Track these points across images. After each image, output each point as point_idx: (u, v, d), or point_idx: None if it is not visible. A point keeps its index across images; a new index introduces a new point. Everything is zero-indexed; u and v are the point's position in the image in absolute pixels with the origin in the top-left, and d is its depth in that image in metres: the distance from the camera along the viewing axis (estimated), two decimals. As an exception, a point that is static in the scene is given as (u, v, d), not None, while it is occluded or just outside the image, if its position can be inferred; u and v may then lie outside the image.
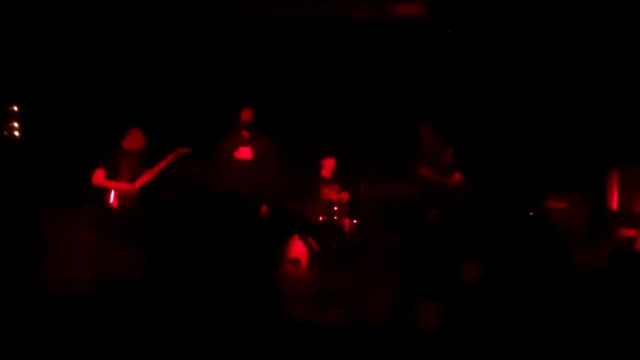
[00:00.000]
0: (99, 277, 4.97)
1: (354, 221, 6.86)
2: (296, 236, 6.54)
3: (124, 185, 5.82)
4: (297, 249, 6.49)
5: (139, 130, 6.02)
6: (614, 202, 6.64)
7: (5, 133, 7.75)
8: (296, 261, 6.44)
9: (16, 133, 7.78)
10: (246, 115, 6.42)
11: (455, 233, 5.94)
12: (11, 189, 6.83)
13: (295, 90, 7.61)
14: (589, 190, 6.75)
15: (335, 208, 6.83)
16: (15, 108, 7.75)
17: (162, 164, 6.01)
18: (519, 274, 4.86)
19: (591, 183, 6.78)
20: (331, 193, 6.89)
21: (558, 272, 4.97)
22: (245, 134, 6.41)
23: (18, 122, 7.78)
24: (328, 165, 6.96)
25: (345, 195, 6.90)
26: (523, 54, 7.15)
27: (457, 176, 6.54)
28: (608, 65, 6.87)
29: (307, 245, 6.51)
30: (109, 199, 5.82)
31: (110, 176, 5.82)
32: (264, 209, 6.33)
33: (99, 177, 5.78)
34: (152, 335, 3.95)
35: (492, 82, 7.31)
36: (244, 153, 6.39)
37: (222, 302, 4.52)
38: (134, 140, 5.97)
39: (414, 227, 6.31)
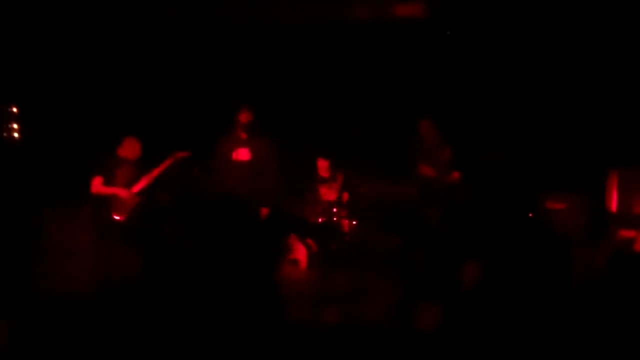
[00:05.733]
0: (98, 280, 4.95)
1: (353, 222, 6.86)
2: (295, 237, 6.55)
3: (122, 192, 5.83)
4: (297, 249, 6.49)
5: (135, 139, 6.03)
6: (614, 204, 6.64)
7: (5, 134, 7.75)
8: (295, 262, 6.45)
9: (15, 134, 7.77)
10: (244, 116, 6.42)
11: (455, 234, 5.93)
12: (10, 190, 6.82)
13: (294, 92, 7.61)
14: (588, 192, 6.74)
15: (335, 209, 6.83)
16: (15, 109, 7.75)
17: (160, 169, 6.02)
18: (518, 275, 4.85)
19: (591, 184, 6.78)
20: (330, 193, 6.90)
21: (557, 273, 4.96)
22: (243, 135, 6.42)
23: (17, 124, 7.77)
24: (323, 165, 6.97)
25: (344, 196, 6.90)
26: (523, 55, 7.16)
27: (455, 175, 6.55)
28: (608, 66, 6.88)
29: (307, 246, 6.51)
30: (109, 206, 5.84)
31: (107, 183, 5.83)
32: (265, 211, 6.32)
33: (97, 185, 5.80)
34: (152, 337, 3.94)
35: (492, 82, 7.31)
36: (242, 154, 6.39)
37: (221, 304, 4.52)
38: (129, 149, 5.98)
39: (413, 227, 6.30)
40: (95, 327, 4.04)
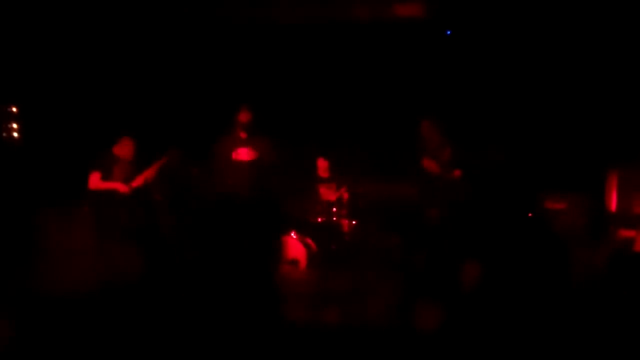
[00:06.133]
0: (98, 278, 4.96)
1: (353, 222, 6.86)
2: (295, 237, 6.54)
3: (120, 186, 5.90)
4: (296, 249, 6.48)
5: (130, 139, 6.09)
6: (613, 203, 6.63)
7: (4, 134, 7.74)
8: (295, 262, 6.43)
9: (15, 134, 7.77)
10: (244, 116, 6.42)
11: (455, 234, 5.93)
12: (10, 190, 6.82)
13: (294, 91, 7.61)
14: (588, 192, 6.75)
15: (334, 209, 6.83)
16: (14, 109, 7.74)
17: (156, 166, 6.07)
18: (518, 275, 4.86)
19: (590, 184, 6.78)
20: (329, 193, 6.89)
21: (557, 273, 4.97)
22: (243, 135, 6.41)
23: (17, 123, 7.77)
24: (322, 165, 6.99)
25: (344, 196, 6.90)
26: (523, 55, 7.16)
27: (457, 172, 6.55)
28: (608, 65, 6.87)
29: (306, 246, 6.50)
30: (108, 204, 5.89)
31: (105, 179, 5.91)
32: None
33: (95, 180, 5.86)
34: (151, 336, 3.94)
35: (492, 82, 7.31)
36: (242, 154, 6.39)
37: (221, 303, 4.52)
38: (124, 149, 6.04)
39: (413, 227, 6.31)
40: (95, 326, 4.04)
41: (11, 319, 4.13)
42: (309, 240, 6.58)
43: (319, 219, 6.80)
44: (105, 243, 5.52)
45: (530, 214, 6.73)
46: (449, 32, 7.57)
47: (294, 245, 6.48)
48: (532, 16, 6.95)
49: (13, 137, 7.74)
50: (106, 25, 7.37)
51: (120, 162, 6.00)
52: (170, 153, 6.12)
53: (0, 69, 7.17)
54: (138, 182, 6.00)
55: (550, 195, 6.76)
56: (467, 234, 5.88)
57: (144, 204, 6.08)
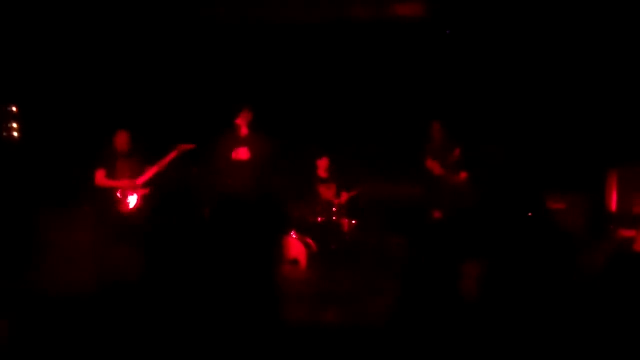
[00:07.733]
0: (98, 278, 4.96)
1: (353, 222, 6.86)
2: (295, 237, 6.54)
3: (126, 183, 5.94)
4: (296, 249, 6.48)
5: (124, 131, 6.16)
6: (613, 203, 6.64)
7: (4, 134, 7.74)
8: (295, 262, 6.43)
9: (15, 134, 7.77)
10: (244, 116, 6.43)
11: (457, 233, 5.93)
12: (10, 189, 6.82)
13: (294, 91, 7.61)
14: (588, 191, 6.75)
15: (334, 209, 6.83)
16: (14, 108, 7.75)
17: (165, 161, 6.14)
18: (521, 275, 4.85)
19: (590, 184, 6.78)
20: (329, 193, 6.90)
21: (562, 273, 4.96)
22: (243, 134, 6.42)
23: (17, 123, 7.77)
24: (322, 165, 6.99)
25: (344, 196, 6.90)
26: (523, 54, 7.16)
27: (463, 175, 6.57)
28: (608, 65, 6.88)
29: (306, 246, 6.50)
30: (112, 202, 5.92)
31: (109, 176, 5.95)
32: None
33: (100, 177, 5.92)
34: (151, 336, 3.94)
35: (492, 82, 7.31)
36: (242, 154, 6.39)
37: (220, 303, 4.52)
38: (121, 141, 6.10)
39: (415, 228, 6.31)
40: (95, 326, 4.04)
41: (11, 319, 4.13)
42: (309, 240, 6.58)
43: (319, 219, 6.80)
44: (105, 243, 5.52)
45: (530, 214, 6.73)
46: (448, 32, 7.57)
47: (294, 245, 6.48)
48: (533, 16, 6.95)
49: (13, 137, 7.75)
50: (106, 25, 7.37)
51: (120, 158, 6.05)
52: (179, 148, 6.15)
53: (0, 69, 7.18)
54: (144, 178, 6.06)
55: (550, 195, 6.76)
56: (470, 234, 5.88)
57: (144, 204, 6.09)
